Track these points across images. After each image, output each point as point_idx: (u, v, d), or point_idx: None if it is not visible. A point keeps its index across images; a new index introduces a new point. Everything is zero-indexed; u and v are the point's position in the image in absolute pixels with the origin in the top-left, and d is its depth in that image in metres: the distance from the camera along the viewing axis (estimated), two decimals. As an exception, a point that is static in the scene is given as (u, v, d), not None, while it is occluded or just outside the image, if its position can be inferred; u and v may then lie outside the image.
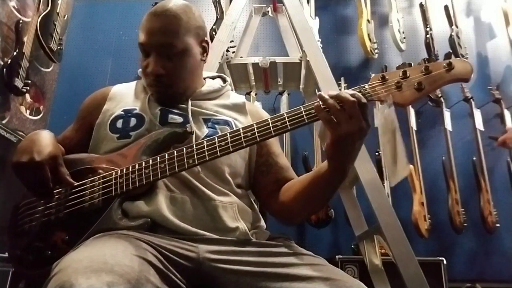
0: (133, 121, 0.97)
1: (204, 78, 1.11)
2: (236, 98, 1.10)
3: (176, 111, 0.99)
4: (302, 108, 0.82)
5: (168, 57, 0.95)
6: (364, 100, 0.77)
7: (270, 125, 0.82)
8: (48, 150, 0.87)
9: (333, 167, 0.83)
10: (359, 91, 0.81)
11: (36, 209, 0.89)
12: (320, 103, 0.78)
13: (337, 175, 0.84)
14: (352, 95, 0.77)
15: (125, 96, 1.04)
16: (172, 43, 0.95)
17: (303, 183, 0.92)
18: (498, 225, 2.69)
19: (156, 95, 1.00)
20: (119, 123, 0.98)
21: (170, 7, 0.97)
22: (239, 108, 1.06)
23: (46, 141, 0.90)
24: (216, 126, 0.98)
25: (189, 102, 1.00)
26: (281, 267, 0.79)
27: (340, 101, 0.77)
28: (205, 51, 1.04)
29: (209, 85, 1.08)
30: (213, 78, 1.14)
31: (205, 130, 0.96)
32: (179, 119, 0.97)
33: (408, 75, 0.82)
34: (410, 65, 0.86)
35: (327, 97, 0.77)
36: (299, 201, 0.92)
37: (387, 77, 0.83)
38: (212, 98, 1.05)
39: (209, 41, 1.06)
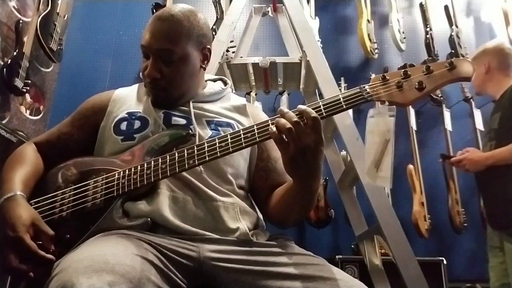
0: (137, 124, 0.98)
1: (206, 81, 1.12)
2: (237, 100, 1.11)
3: (178, 113, 1.00)
4: None
5: (166, 63, 0.97)
6: (314, 114, 0.76)
7: (270, 126, 0.81)
8: (21, 221, 0.79)
9: (296, 184, 0.84)
10: (359, 92, 0.82)
11: (41, 208, 0.89)
12: (274, 128, 0.77)
13: (303, 189, 0.84)
14: (302, 111, 0.77)
15: (128, 99, 1.05)
16: (171, 49, 0.95)
17: (281, 193, 0.93)
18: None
19: (152, 96, 1.01)
20: (123, 126, 0.98)
21: (175, 13, 0.97)
22: (240, 110, 1.07)
23: (17, 211, 0.81)
24: (219, 128, 0.99)
25: (191, 105, 1.00)
26: (281, 267, 0.79)
27: (288, 118, 0.76)
28: (206, 58, 1.05)
29: (210, 87, 1.09)
30: (214, 80, 1.15)
31: (209, 132, 0.97)
32: (182, 121, 0.98)
33: (409, 74, 0.81)
34: (412, 65, 0.84)
35: (278, 121, 0.77)
36: (280, 210, 0.94)
37: (388, 77, 0.82)
38: (214, 101, 1.06)
39: (211, 48, 1.06)
